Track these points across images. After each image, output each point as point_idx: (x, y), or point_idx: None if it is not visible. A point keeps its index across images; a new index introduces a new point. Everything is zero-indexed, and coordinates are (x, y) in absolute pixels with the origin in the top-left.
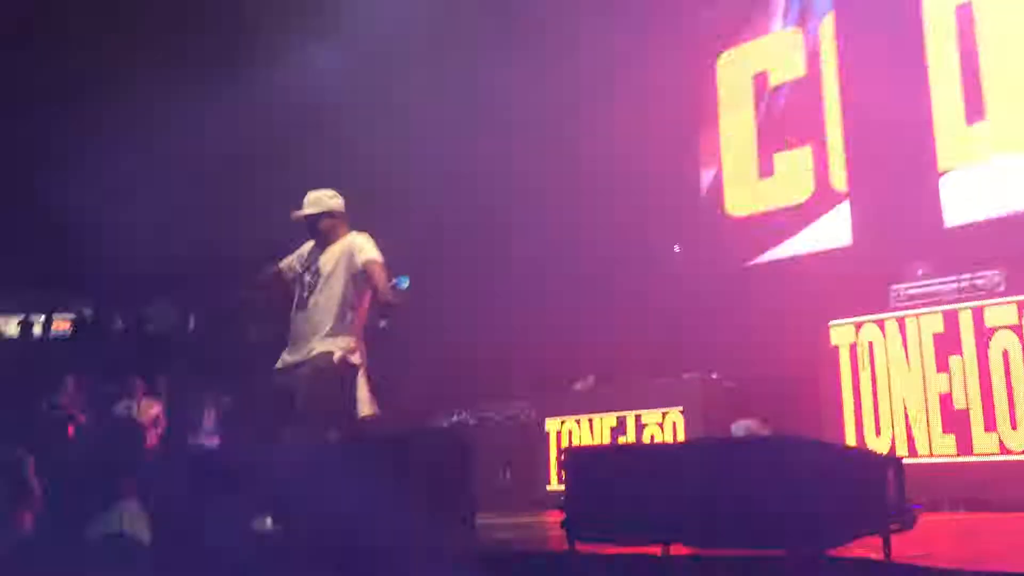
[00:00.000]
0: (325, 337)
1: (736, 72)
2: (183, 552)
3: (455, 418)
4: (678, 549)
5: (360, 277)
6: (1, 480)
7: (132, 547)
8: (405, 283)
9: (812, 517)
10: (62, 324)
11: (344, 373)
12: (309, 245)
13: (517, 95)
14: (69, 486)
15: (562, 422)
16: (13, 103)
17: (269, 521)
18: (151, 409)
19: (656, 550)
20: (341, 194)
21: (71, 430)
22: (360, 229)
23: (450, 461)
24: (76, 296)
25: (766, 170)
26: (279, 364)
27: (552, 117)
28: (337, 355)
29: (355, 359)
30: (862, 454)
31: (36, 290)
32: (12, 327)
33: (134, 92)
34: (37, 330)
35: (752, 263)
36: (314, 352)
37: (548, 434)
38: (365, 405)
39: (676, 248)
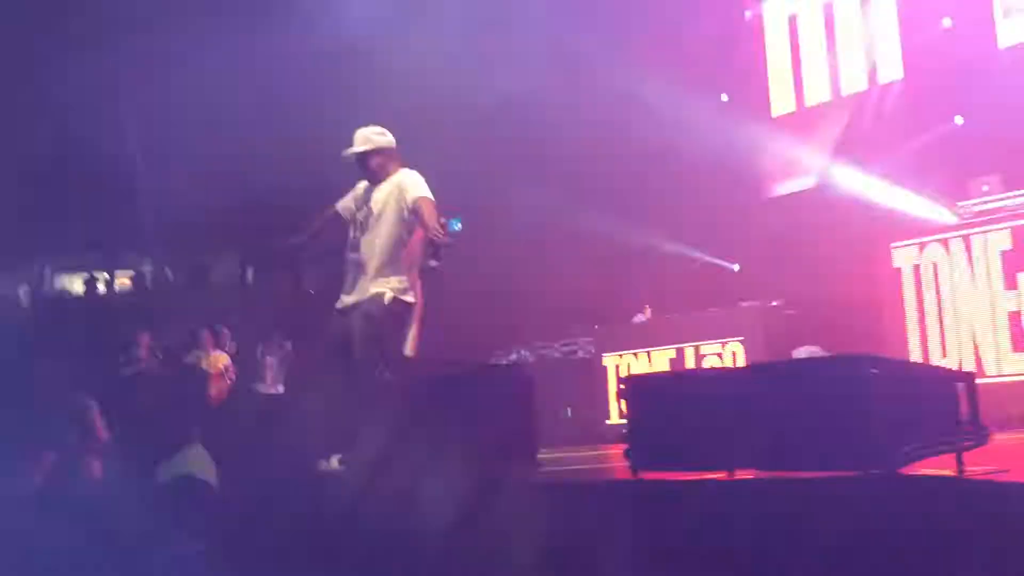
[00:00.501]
0: (377, 277)
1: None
2: (248, 493)
3: (515, 355)
4: (744, 474)
5: (410, 215)
6: (70, 428)
7: (201, 488)
8: (457, 225)
9: (883, 435)
10: (124, 280)
11: (397, 312)
12: (363, 184)
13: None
14: (139, 433)
15: (620, 356)
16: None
17: (335, 461)
18: (220, 360)
19: (722, 475)
20: (391, 131)
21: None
22: (417, 168)
23: (512, 397)
24: (136, 252)
25: None
26: (338, 305)
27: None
28: (388, 295)
29: (408, 298)
30: (932, 370)
31: (98, 248)
32: (78, 285)
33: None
34: (101, 287)
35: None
36: (368, 293)
37: (606, 369)
38: (412, 344)
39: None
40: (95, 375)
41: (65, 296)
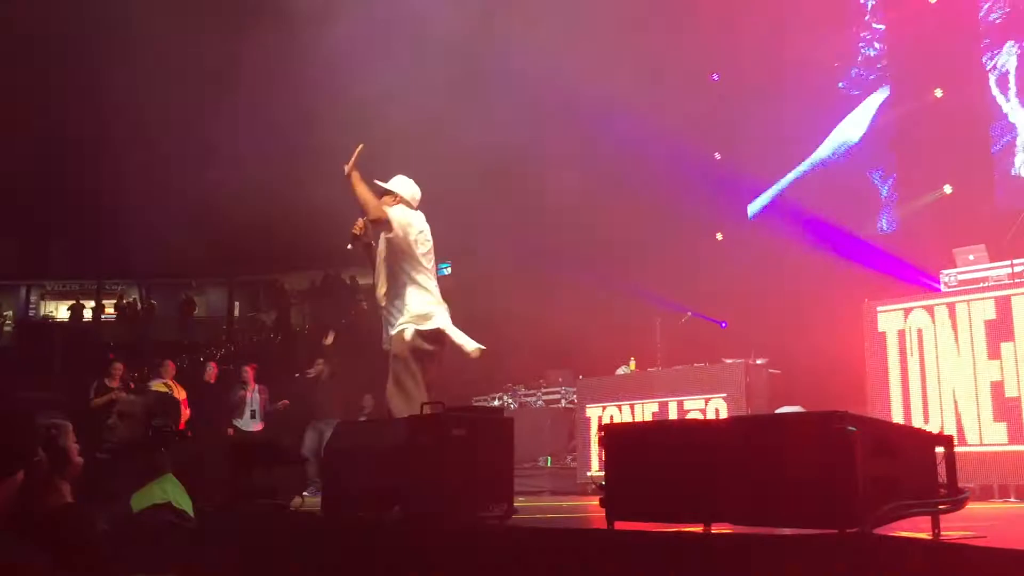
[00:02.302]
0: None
1: None
2: (225, 524)
3: (497, 402)
4: (720, 527)
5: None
6: (40, 449)
7: (180, 518)
8: (447, 270)
9: (860, 494)
10: (110, 308)
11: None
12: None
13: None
14: (113, 458)
15: (603, 408)
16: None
17: (303, 497)
18: (180, 393)
19: (698, 528)
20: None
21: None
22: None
23: (491, 439)
24: (123, 281)
25: None
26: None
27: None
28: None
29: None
30: (911, 432)
31: (86, 276)
32: (63, 311)
33: None
34: (87, 314)
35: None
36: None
37: (589, 420)
38: None
39: (719, 236)
40: (75, 398)
41: (49, 322)
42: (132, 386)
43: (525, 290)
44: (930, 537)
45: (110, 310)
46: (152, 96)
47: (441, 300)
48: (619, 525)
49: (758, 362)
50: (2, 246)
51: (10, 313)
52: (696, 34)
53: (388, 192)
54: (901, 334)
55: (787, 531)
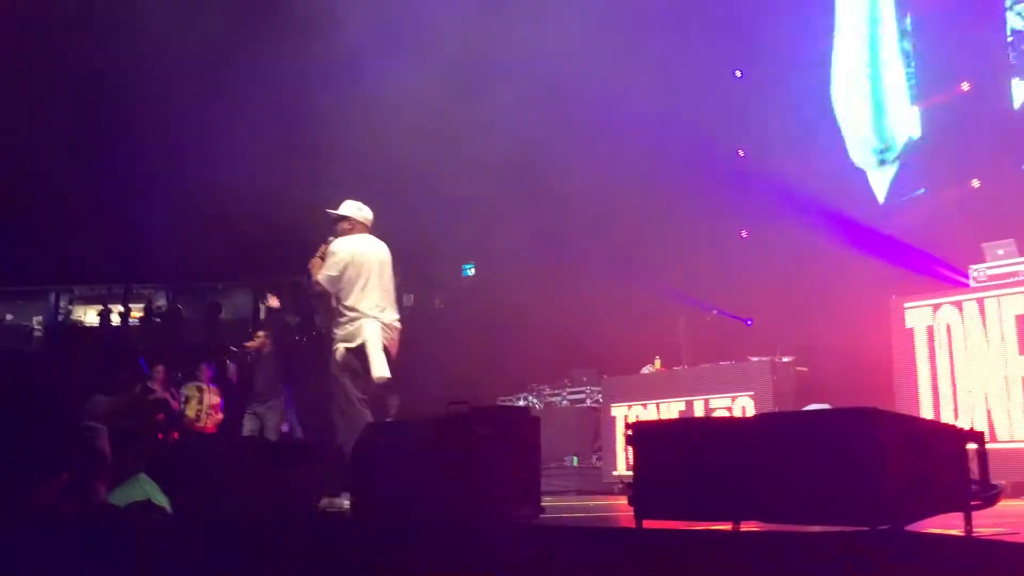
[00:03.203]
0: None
1: None
2: (250, 526)
3: (522, 401)
4: (750, 525)
5: None
6: (79, 451)
7: (161, 514)
8: (470, 271)
9: (891, 491)
10: (137, 312)
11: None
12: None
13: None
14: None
15: (629, 407)
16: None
17: (340, 500)
18: (214, 397)
19: (727, 526)
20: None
21: (161, 415)
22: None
23: (517, 438)
24: (150, 285)
25: None
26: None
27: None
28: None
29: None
30: (942, 428)
31: (114, 280)
32: (92, 315)
33: None
34: (115, 319)
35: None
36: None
37: (614, 419)
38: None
39: (743, 233)
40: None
41: (79, 326)
42: (172, 391)
43: (549, 289)
44: (962, 534)
45: (137, 314)
46: (176, 99)
47: (373, 311)
48: (647, 524)
49: (784, 360)
50: (31, 252)
51: (40, 318)
52: (719, 29)
53: (343, 217)
54: (930, 330)
55: (817, 529)
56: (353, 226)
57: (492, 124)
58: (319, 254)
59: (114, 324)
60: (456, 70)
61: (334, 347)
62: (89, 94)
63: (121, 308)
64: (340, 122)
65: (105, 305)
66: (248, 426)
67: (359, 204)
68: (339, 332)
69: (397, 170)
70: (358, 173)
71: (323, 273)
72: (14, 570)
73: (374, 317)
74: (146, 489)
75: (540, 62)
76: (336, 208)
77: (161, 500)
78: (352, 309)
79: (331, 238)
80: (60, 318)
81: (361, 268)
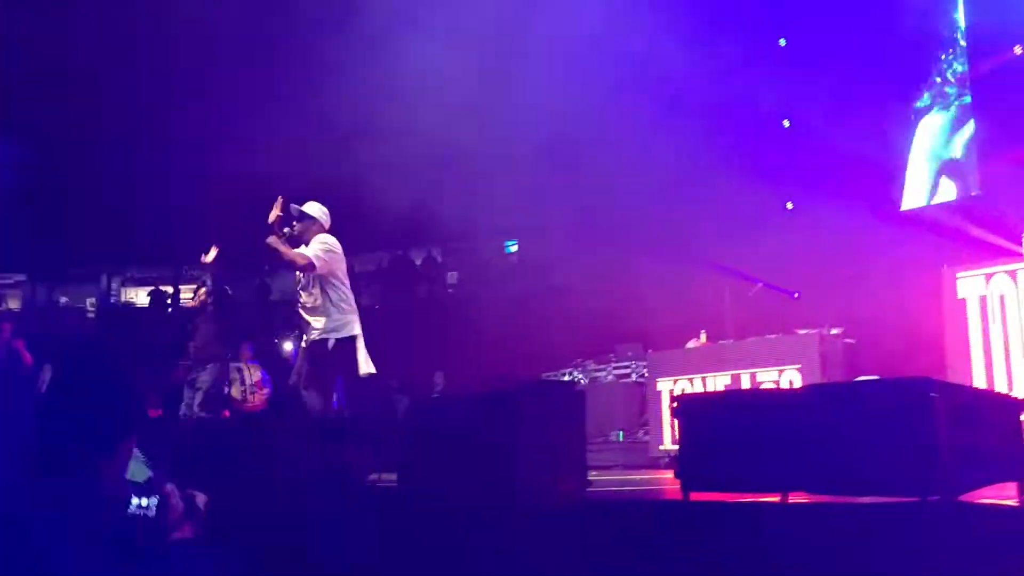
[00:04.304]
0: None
1: None
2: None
3: (567, 376)
4: (798, 497)
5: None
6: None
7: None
8: (513, 247)
9: (943, 462)
10: (187, 294)
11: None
12: None
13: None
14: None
15: (675, 381)
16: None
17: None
18: (256, 374)
19: (775, 498)
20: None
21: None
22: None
23: (562, 413)
24: (199, 266)
25: None
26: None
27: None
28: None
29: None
30: (996, 397)
31: (165, 262)
32: (143, 297)
33: None
34: (167, 300)
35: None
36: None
37: (660, 393)
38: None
39: (789, 205)
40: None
41: (131, 308)
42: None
43: (593, 265)
44: (1016, 504)
45: (187, 295)
46: (222, 83)
47: (355, 307)
48: (694, 496)
49: (832, 332)
50: (85, 235)
51: (93, 300)
52: None
53: (308, 216)
54: (983, 300)
55: (867, 500)
56: (319, 228)
57: (534, 101)
58: (279, 238)
59: (166, 304)
60: (496, 47)
61: (322, 333)
62: (133, 83)
63: (171, 289)
64: (381, 104)
65: (156, 286)
66: (186, 396)
67: (324, 208)
68: (327, 322)
69: (438, 149)
70: (399, 154)
71: (320, 254)
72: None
73: (355, 312)
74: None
75: (582, 37)
76: (300, 206)
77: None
78: (344, 301)
79: (288, 229)
80: (112, 299)
81: (343, 265)
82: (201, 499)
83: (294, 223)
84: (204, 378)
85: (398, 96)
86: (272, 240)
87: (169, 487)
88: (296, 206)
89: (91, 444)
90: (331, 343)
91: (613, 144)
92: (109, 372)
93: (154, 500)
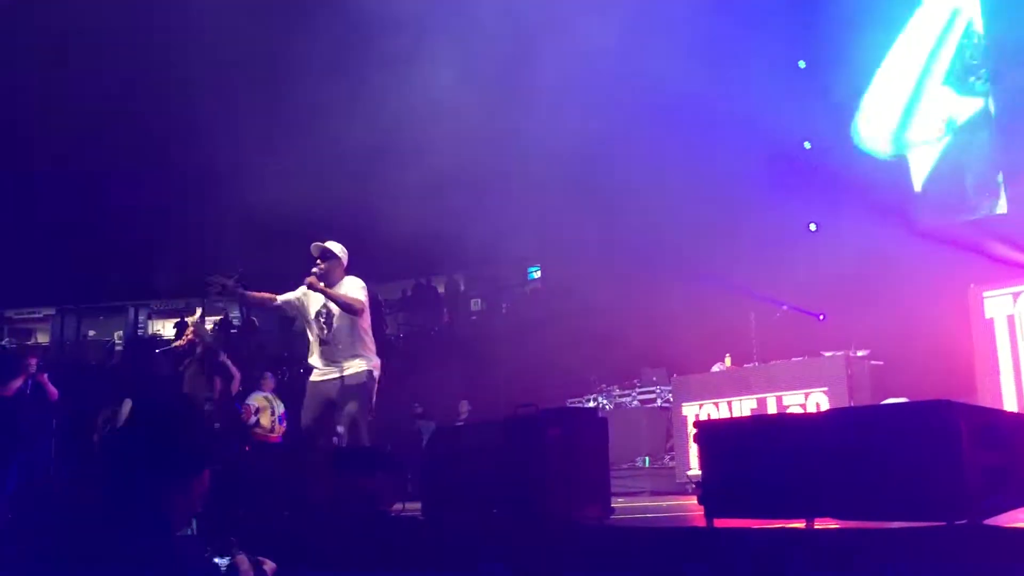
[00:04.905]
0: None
1: None
2: (329, 530)
3: (592, 402)
4: (824, 523)
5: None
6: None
7: None
8: (536, 273)
9: (969, 485)
10: (210, 325)
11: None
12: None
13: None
14: None
15: (700, 405)
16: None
17: (412, 505)
18: (281, 407)
19: (800, 523)
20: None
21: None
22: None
23: (586, 439)
24: (224, 298)
25: None
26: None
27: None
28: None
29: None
30: (1020, 418)
31: (190, 295)
32: (169, 329)
33: None
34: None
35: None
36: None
37: (686, 418)
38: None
39: (812, 227)
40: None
41: (157, 340)
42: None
43: (616, 289)
44: None
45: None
46: (243, 113)
47: None
48: (719, 523)
49: (859, 354)
50: (111, 269)
51: (120, 333)
52: (782, 17)
53: (334, 255)
54: (1011, 319)
55: (893, 525)
56: (342, 267)
57: (553, 126)
58: (316, 276)
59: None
60: (514, 72)
61: (359, 366)
62: (158, 113)
63: (209, 325)
64: (399, 130)
65: (182, 318)
66: None
67: (344, 248)
68: (362, 361)
69: (460, 175)
70: (419, 180)
71: (362, 297)
72: None
73: None
74: None
75: (600, 60)
76: (323, 243)
77: None
78: (372, 341)
79: (317, 270)
80: (140, 332)
81: None
82: (269, 567)
83: (319, 261)
84: None
85: (418, 123)
86: (315, 282)
87: (240, 556)
88: (319, 244)
89: (166, 476)
90: (365, 379)
91: (636, 168)
92: (187, 408)
93: (226, 561)
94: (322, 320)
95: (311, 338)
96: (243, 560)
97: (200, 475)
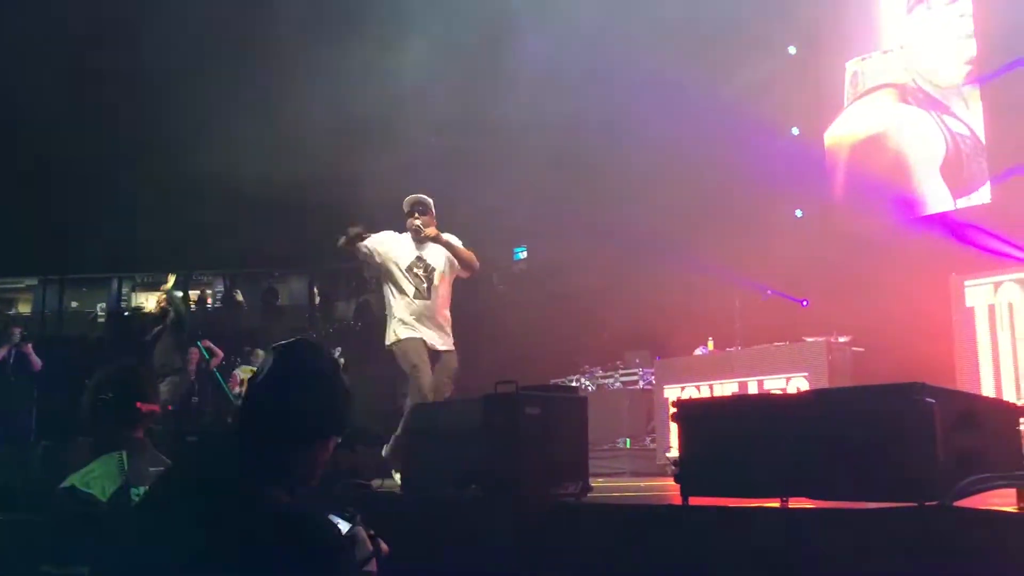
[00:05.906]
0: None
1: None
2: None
3: (574, 383)
4: (798, 502)
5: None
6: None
7: (85, 504)
8: (522, 254)
9: (941, 467)
10: (194, 298)
11: None
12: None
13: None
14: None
15: (682, 388)
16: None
17: (391, 480)
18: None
19: (775, 503)
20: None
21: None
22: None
23: (565, 417)
24: (209, 272)
25: None
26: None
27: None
28: None
29: None
30: (995, 403)
31: (174, 268)
32: (152, 302)
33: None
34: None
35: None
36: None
37: (667, 401)
38: None
39: (798, 213)
40: None
41: (139, 313)
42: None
43: (601, 272)
44: (1015, 510)
45: (195, 300)
46: (231, 85)
47: None
48: (694, 501)
49: (840, 340)
50: (95, 241)
51: (103, 305)
52: (771, 4)
53: (430, 208)
54: (991, 308)
55: (866, 505)
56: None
57: (542, 108)
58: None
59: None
60: (499, 52)
61: (450, 341)
62: (142, 87)
63: (180, 294)
64: (391, 111)
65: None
66: None
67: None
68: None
69: (444, 155)
70: (409, 160)
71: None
72: None
73: None
74: (84, 473)
75: (586, 42)
76: (409, 199)
77: (95, 487)
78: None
79: (418, 223)
80: (122, 304)
81: None
82: (384, 548)
83: (416, 216)
84: (163, 391)
85: (403, 102)
86: (439, 235)
87: (359, 527)
88: (414, 196)
89: (299, 432)
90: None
91: (621, 150)
92: (334, 370)
93: (348, 527)
94: (420, 274)
95: (394, 293)
96: (361, 531)
97: (326, 441)
